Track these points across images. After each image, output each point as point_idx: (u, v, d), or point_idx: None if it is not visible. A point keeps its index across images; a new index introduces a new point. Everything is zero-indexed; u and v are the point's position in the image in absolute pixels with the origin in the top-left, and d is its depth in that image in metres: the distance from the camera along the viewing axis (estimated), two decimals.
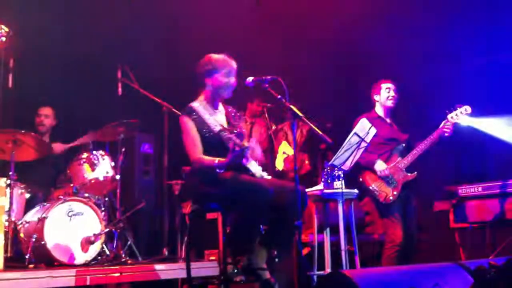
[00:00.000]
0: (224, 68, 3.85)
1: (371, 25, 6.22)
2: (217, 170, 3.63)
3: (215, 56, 3.91)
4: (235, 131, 3.82)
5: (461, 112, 4.95)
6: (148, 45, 6.59)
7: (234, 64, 3.90)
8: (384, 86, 5.14)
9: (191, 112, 3.82)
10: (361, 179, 4.96)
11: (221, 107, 4.01)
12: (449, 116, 4.95)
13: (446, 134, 4.92)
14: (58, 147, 5.55)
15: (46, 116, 5.72)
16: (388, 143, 5.07)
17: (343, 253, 4.42)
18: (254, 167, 3.79)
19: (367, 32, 6.25)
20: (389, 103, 5.14)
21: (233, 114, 4.05)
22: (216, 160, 3.63)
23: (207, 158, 3.72)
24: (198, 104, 3.86)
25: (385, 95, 5.13)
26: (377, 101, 5.20)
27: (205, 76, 3.89)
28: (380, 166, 4.93)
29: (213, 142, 3.73)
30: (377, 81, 5.21)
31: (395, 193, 4.88)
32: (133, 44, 6.47)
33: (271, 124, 6.03)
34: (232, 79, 3.87)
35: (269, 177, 3.90)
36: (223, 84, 3.86)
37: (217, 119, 3.87)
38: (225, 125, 3.90)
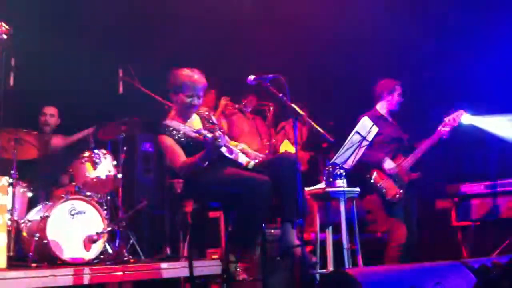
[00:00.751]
0: (188, 88, 3.85)
1: (371, 24, 6.22)
2: (200, 165, 3.63)
3: (182, 72, 3.91)
4: (213, 130, 3.87)
5: (457, 116, 5.00)
6: (149, 43, 6.60)
7: (201, 83, 3.89)
8: (398, 90, 5.15)
9: (166, 128, 3.83)
10: (368, 177, 4.96)
11: (193, 115, 4.03)
12: (446, 120, 5.00)
13: (444, 137, 4.97)
14: (58, 141, 5.51)
15: (52, 115, 5.72)
16: (393, 142, 5.08)
17: (345, 252, 4.42)
18: (243, 158, 3.81)
19: (368, 31, 6.25)
20: (397, 107, 5.20)
21: (206, 117, 4.08)
22: (197, 156, 3.64)
23: (189, 159, 3.73)
24: (171, 120, 3.88)
25: (397, 99, 5.15)
26: (385, 101, 5.18)
27: (172, 92, 3.93)
28: (389, 164, 4.94)
29: (194, 147, 3.73)
30: (390, 81, 5.19)
31: (401, 191, 4.91)
32: (134, 42, 6.48)
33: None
34: (195, 100, 3.87)
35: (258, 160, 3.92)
36: (186, 103, 3.88)
37: (194, 125, 3.89)
38: (205, 126, 3.93)
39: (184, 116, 3.95)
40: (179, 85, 3.86)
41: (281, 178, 3.63)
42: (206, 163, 3.63)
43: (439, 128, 5.00)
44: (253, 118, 6.35)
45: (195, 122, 3.98)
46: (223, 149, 3.69)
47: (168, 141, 3.81)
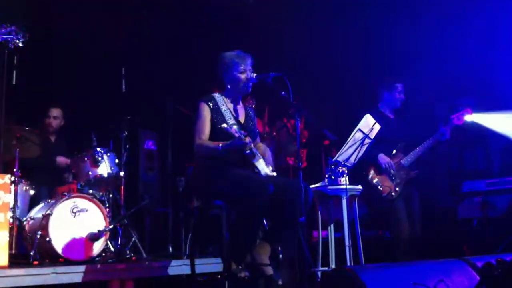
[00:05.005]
0: (237, 64, 3.90)
1: (372, 23, 6.21)
2: (219, 154, 3.68)
3: (228, 53, 3.98)
4: (249, 127, 3.91)
5: (462, 115, 4.99)
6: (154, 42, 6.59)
7: (248, 60, 3.94)
8: (397, 87, 5.14)
9: (210, 100, 3.91)
10: (365, 174, 4.96)
11: (240, 104, 4.07)
12: (451, 119, 5.00)
13: (447, 137, 4.98)
14: (63, 160, 5.53)
15: (55, 117, 5.73)
16: (392, 140, 5.07)
17: (347, 249, 4.42)
18: (261, 165, 3.80)
19: (369, 30, 6.23)
20: (398, 104, 5.18)
21: (251, 113, 4.12)
22: (220, 144, 3.68)
23: (210, 142, 3.77)
24: (219, 95, 3.95)
25: (396, 96, 5.15)
26: (386, 99, 5.18)
27: (223, 73, 3.97)
28: (383, 158, 4.94)
29: (224, 133, 3.75)
30: (390, 79, 5.19)
31: (397, 189, 4.90)
32: (137, 41, 6.48)
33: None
34: (243, 75, 3.90)
35: (275, 175, 3.91)
36: (239, 80, 3.91)
37: (235, 113, 3.94)
38: (244, 121, 3.97)
39: (233, 97, 3.98)
40: (228, 64, 3.92)
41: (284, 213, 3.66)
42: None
43: (443, 128, 5.00)
44: None
45: (239, 111, 4.01)
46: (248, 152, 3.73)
47: (204, 111, 3.86)
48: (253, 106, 6.21)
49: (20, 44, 4.25)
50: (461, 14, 5.89)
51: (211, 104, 3.88)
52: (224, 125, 3.63)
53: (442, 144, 5.08)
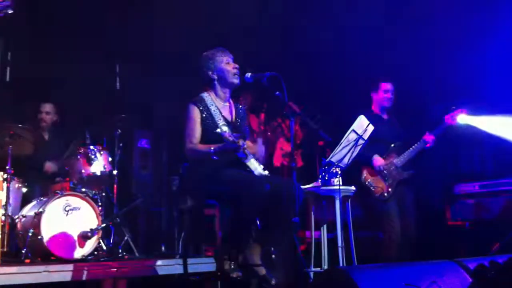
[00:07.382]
0: (221, 57, 3.92)
1: (368, 23, 6.21)
2: (213, 157, 3.66)
3: (209, 51, 3.98)
4: (238, 126, 3.88)
5: (457, 115, 5.01)
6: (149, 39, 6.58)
7: (229, 53, 3.97)
8: (382, 87, 5.16)
9: (199, 101, 3.88)
10: (358, 174, 4.97)
11: (230, 101, 4.05)
12: (445, 119, 5.01)
13: (430, 145, 5.00)
14: (51, 167, 5.50)
15: (48, 113, 5.70)
16: (385, 140, 5.08)
17: (340, 250, 4.42)
18: (254, 165, 3.79)
19: (366, 30, 6.24)
20: (386, 104, 5.19)
21: (240, 111, 4.10)
22: (212, 147, 3.65)
23: (202, 146, 3.75)
24: (207, 95, 3.93)
25: (382, 96, 5.17)
26: (375, 99, 5.22)
27: (208, 71, 3.94)
28: (377, 161, 4.95)
29: (214, 135, 3.73)
30: (376, 79, 5.21)
31: (390, 189, 4.91)
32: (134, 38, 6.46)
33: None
34: (230, 66, 3.91)
35: (267, 174, 3.90)
36: (227, 70, 3.91)
37: (224, 113, 3.92)
38: (233, 119, 3.95)
39: (222, 95, 3.96)
40: (213, 57, 3.93)
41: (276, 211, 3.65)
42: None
43: (437, 127, 5.02)
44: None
45: (227, 109, 3.98)
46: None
47: (194, 113, 3.83)
48: (247, 102, 6.22)
49: (10, 11, 4.12)
50: (455, 16, 5.90)
51: (200, 106, 3.85)
52: (219, 130, 3.61)
53: (436, 146, 5.09)
